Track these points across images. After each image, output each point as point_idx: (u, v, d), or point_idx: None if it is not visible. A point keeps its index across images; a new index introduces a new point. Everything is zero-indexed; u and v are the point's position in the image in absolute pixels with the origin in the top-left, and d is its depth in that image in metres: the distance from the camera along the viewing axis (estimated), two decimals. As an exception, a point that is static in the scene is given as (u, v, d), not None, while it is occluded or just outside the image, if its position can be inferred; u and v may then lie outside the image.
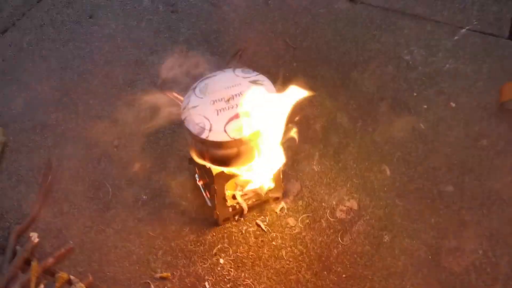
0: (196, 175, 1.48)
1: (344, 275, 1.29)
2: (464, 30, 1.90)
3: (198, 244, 1.39)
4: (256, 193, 1.41)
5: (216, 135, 1.12)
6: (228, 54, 1.90)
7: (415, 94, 1.70)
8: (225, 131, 1.12)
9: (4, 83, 1.86)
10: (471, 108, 1.63)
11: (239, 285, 1.30)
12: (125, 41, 1.99)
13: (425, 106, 1.66)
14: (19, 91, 1.83)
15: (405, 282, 1.26)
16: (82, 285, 1.28)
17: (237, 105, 1.16)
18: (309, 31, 1.98)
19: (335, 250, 1.34)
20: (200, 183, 1.45)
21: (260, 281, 1.30)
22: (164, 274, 1.33)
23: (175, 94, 1.27)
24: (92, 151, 1.63)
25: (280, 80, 1.45)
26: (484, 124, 1.57)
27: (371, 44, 1.90)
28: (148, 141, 1.65)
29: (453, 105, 1.65)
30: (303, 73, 1.81)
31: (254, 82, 1.21)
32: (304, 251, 1.35)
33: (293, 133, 1.32)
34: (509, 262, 1.25)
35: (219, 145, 1.13)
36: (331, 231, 1.38)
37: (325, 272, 1.30)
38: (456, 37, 1.88)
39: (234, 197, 1.39)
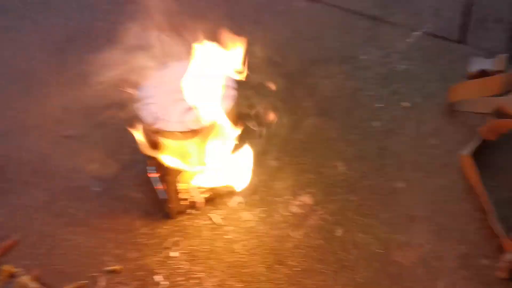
0: (149, 167, 1.45)
1: (297, 269, 1.30)
2: (417, 33, 1.96)
3: (150, 237, 1.36)
4: (211, 186, 1.40)
5: (171, 125, 1.10)
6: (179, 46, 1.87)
7: (370, 93, 1.74)
8: (181, 121, 1.10)
9: None
10: (423, 108, 1.68)
11: (192, 278, 1.28)
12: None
13: (380, 105, 1.69)
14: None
15: (356, 275, 1.28)
16: (28, 277, 1.23)
17: (194, 96, 1.14)
18: (267, 29, 1.98)
19: (288, 244, 1.34)
20: (152, 176, 1.42)
21: (213, 274, 1.29)
22: (115, 267, 1.30)
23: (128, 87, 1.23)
24: (40, 141, 1.57)
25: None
26: (434, 124, 1.62)
27: (329, 43, 1.93)
28: (101, 132, 1.61)
29: (406, 104, 1.69)
30: (259, 70, 1.81)
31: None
32: (258, 244, 1.35)
33: (250, 127, 1.33)
34: (454, 256, 1.30)
35: (174, 136, 1.12)
36: (286, 225, 1.38)
37: (279, 266, 1.30)
38: (409, 40, 1.94)
39: (187, 190, 1.37)
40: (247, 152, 1.29)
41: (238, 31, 1.93)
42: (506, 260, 1.20)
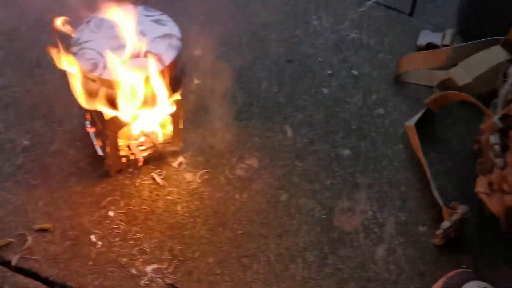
0: (87, 122, 1.35)
1: (240, 232, 1.27)
2: (370, 2, 1.94)
3: (85, 195, 1.28)
4: (153, 145, 1.33)
5: (110, 73, 1.02)
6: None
7: (320, 59, 1.72)
8: (119, 69, 1.02)
9: None
10: (371, 78, 1.68)
11: (129, 239, 1.22)
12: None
13: (329, 72, 1.68)
14: None
15: (299, 239, 1.27)
16: None
17: (137, 43, 1.06)
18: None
19: (232, 207, 1.31)
20: (90, 131, 1.33)
21: (152, 235, 1.24)
22: (45, 226, 1.21)
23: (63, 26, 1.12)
24: (-36, 87, 1.42)
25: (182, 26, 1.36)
26: (381, 94, 1.63)
27: (281, 6, 1.88)
28: (33, 81, 1.48)
29: (355, 73, 1.69)
30: (208, 27, 1.74)
31: (157, 22, 1.12)
32: (201, 206, 1.30)
33: (195, 83, 1.26)
34: (394, 223, 1.32)
35: (113, 84, 1.03)
36: (230, 187, 1.35)
37: (221, 228, 1.27)
38: (362, 8, 1.92)
39: (128, 147, 1.30)
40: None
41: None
42: (443, 227, 1.23)
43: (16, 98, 1.44)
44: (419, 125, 1.47)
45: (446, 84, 1.48)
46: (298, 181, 1.39)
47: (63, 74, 1.49)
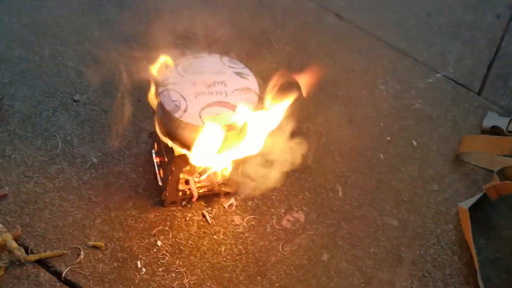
0: (153, 151, 1.43)
1: (277, 284, 1.29)
2: (439, 75, 1.96)
3: (139, 221, 1.35)
4: (209, 184, 1.39)
5: (189, 117, 1.09)
6: (212, 38, 1.86)
7: (381, 124, 1.74)
8: (199, 115, 1.09)
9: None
10: (430, 150, 1.69)
11: (172, 271, 1.27)
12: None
13: (388, 138, 1.70)
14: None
15: (333, 303, 1.28)
16: (9, 235, 1.21)
17: (217, 92, 1.13)
18: (295, 36, 1.98)
19: (273, 258, 1.34)
20: (156, 160, 1.41)
21: (193, 272, 1.28)
22: (98, 243, 1.28)
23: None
24: (50, 99, 1.55)
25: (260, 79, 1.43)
26: (438, 169, 1.63)
27: (350, 65, 1.93)
28: (110, 103, 1.58)
29: (414, 143, 1.70)
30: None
31: (239, 74, 1.19)
32: (244, 251, 1.34)
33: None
34: (432, 305, 1.31)
35: (190, 128, 1.10)
36: (274, 238, 1.38)
37: (259, 277, 1.30)
38: (430, 80, 1.95)
39: (187, 182, 1.36)
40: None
41: (263, 34, 1.94)
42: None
43: (93, 116, 1.54)
44: (472, 207, 1.46)
45: (507, 172, 1.47)
46: (341, 243, 1.40)
47: (138, 100, 1.61)
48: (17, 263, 1.20)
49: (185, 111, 1.10)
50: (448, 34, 2.17)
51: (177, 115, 1.09)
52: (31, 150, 1.42)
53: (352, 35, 2.04)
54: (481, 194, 1.48)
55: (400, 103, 1.83)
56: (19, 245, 1.23)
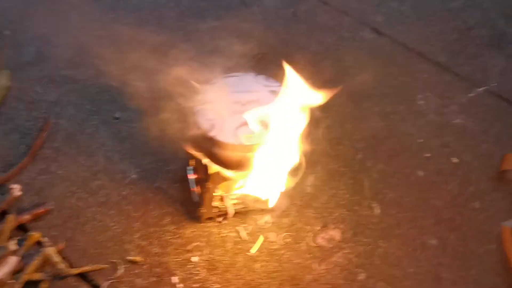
0: (189, 167, 1.46)
1: (312, 303, 1.29)
2: (481, 89, 1.91)
3: (176, 236, 1.38)
4: (244, 200, 1.40)
5: (224, 136, 1.11)
6: (247, 56, 1.89)
7: (420, 140, 1.71)
8: (235, 134, 1.11)
9: (21, 29, 1.83)
10: (471, 168, 1.64)
11: (207, 287, 1.29)
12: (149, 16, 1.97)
13: (427, 155, 1.66)
14: (34, 40, 1.79)
15: (370, 323, 1.26)
16: (53, 249, 1.26)
17: (253, 111, 1.15)
18: (331, 52, 1.98)
19: (308, 276, 1.33)
20: (191, 177, 1.44)
21: (229, 288, 1.29)
22: (136, 258, 1.31)
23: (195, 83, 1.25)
24: (93, 117, 1.61)
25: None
26: (480, 187, 1.58)
27: (388, 80, 1.90)
28: (151, 120, 1.63)
29: (455, 160, 1.65)
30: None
31: (275, 93, 1.20)
32: (279, 269, 1.34)
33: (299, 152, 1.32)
34: (474, 328, 1.26)
35: (225, 146, 1.12)
36: (310, 255, 1.37)
37: (294, 295, 1.30)
38: (471, 94, 1.89)
39: (222, 198, 1.38)
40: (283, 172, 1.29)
41: (297, 48, 1.95)
42: None
43: (133, 133, 1.59)
44: (517, 228, 1.41)
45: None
46: (379, 263, 1.38)
47: (176, 118, 1.65)
48: (59, 276, 1.25)
49: (220, 129, 1.12)
50: (491, 47, 2.11)
51: (212, 133, 1.12)
52: (75, 166, 1.48)
53: (390, 50, 2.02)
54: (526, 213, 1.42)
55: (440, 119, 1.79)
56: (62, 258, 1.27)
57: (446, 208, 1.52)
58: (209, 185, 1.26)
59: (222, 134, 1.11)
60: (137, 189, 1.46)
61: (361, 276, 1.34)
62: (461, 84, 1.93)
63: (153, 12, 2.02)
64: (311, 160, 1.58)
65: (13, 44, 1.77)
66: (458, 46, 2.09)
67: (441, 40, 2.11)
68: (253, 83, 1.22)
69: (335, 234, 1.43)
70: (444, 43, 2.09)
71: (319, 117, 1.64)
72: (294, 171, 1.34)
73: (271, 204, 1.39)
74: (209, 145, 1.15)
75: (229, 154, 1.14)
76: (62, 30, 1.85)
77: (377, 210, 1.50)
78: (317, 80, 1.84)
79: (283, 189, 1.36)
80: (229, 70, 1.31)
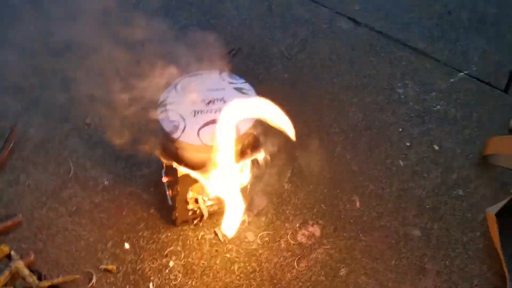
0: (163, 171, 1.42)
1: (292, 302, 1.25)
2: (461, 74, 1.87)
3: (151, 241, 1.34)
4: (219, 201, 1.36)
5: (188, 137, 1.07)
6: (221, 52, 1.84)
7: (400, 129, 1.67)
8: (198, 135, 1.07)
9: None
10: (454, 154, 1.60)
11: (184, 292, 1.25)
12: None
13: (408, 144, 1.63)
14: (0, 47, 1.75)
15: (353, 320, 1.22)
16: (21, 263, 1.22)
17: (215, 110, 1.11)
18: (307, 44, 1.94)
19: (288, 274, 1.30)
20: (164, 180, 1.39)
21: (207, 292, 1.26)
22: (109, 267, 1.27)
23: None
24: (62, 124, 1.57)
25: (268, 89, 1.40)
26: (463, 174, 1.54)
27: (366, 70, 1.87)
28: (121, 125, 1.58)
29: (436, 148, 1.62)
30: (291, 85, 1.77)
31: (239, 90, 1.16)
32: (258, 269, 1.30)
33: (269, 147, 1.27)
34: (460, 319, 1.22)
35: (189, 148, 1.08)
36: (289, 254, 1.34)
37: (274, 296, 1.26)
38: (452, 80, 1.86)
39: (196, 201, 1.34)
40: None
41: (272, 42, 1.91)
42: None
43: (104, 138, 1.55)
44: (501, 213, 1.37)
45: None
46: (360, 257, 1.34)
47: (148, 121, 1.61)
48: (30, 289, 1.21)
49: (183, 131, 1.07)
50: (471, 30, 2.07)
51: (175, 135, 1.07)
52: (44, 176, 1.44)
53: (368, 39, 1.98)
54: (510, 198, 1.38)
55: (420, 106, 1.75)
56: (32, 271, 1.23)
57: (428, 198, 1.48)
58: (180, 187, 1.22)
59: (185, 136, 1.07)
60: (110, 195, 1.42)
61: (343, 272, 1.31)
62: (441, 70, 1.89)
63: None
64: (288, 155, 1.55)
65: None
66: (438, 31, 2.06)
67: (420, 26, 2.07)
68: (217, 81, 1.18)
69: (315, 230, 1.39)
70: (423, 29, 2.06)
71: (296, 112, 1.61)
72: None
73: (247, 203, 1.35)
74: (174, 147, 1.11)
75: (194, 155, 1.10)
76: (29, 36, 1.81)
77: (357, 204, 1.46)
78: (293, 73, 1.81)
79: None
80: (200, 67, 1.27)
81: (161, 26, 1.91)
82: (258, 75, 1.79)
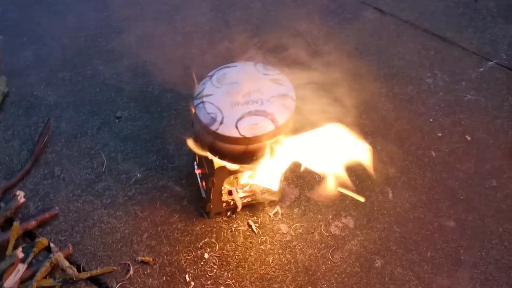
0: (195, 163, 1.43)
1: (328, 293, 1.25)
2: (491, 63, 1.85)
3: (185, 234, 1.34)
4: (253, 193, 1.37)
5: (226, 129, 1.07)
6: (248, 44, 1.84)
7: (431, 120, 1.65)
8: (236, 126, 1.07)
9: (16, 32, 1.80)
10: (486, 145, 1.58)
11: (220, 284, 1.26)
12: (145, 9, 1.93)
13: (439, 134, 1.61)
14: (30, 43, 1.77)
15: (390, 311, 1.22)
16: (61, 254, 1.24)
17: (253, 101, 1.10)
18: (333, 35, 1.92)
19: (323, 266, 1.30)
20: (198, 172, 1.40)
21: (242, 283, 1.26)
22: (146, 259, 1.29)
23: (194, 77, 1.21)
24: (94, 118, 1.58)
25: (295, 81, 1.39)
26: (496, 164, 1.52)
27: (394, 60, 1.85)
28: (151, 118, 1.60)
29: (468, 138, 1.60)
30: (319, 77, 1.76)
31: (275, 81, 1.15)
32: (292, 261, 1.30)
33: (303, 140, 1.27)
34: (498, 310, 1.21)
35: (227, 139, 1.08)
36: (323, 245, 1.33)
37: (310, 287, 1.26)
38: (481, 69, 1.83)
39: (230, 192, 1.34)
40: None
41: (298, 33, 1.90)
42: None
43: (135, 131, 1.56)
44: (537, 204, 1.36)
45: None
46: (395, 248, 1.33)
47: (178, 113, 1.61)
48: (70, 281, 1.23)
49: (221, 123, 1.07)
50: (499, 18, 2.04)
51: (213, 127, 1.08)
52: (78, 169, 1.45)
53: (394, 29, 1.96)
54: (547, 188, 1.36)
55: (450, 96, 1.73)
56: (71, 263, 1.25)
57: (462, 189, 1.47)
58: (214, 179, 1.22)
59: (223, 128, 1.07)
60: (143, 188, 1.43)
61: (378, 263, 1.30)
62: (470, 59, 1.86)
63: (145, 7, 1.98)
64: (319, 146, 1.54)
65: (9, 48, 1.75)
66: (465, 20, 2.03)
67: (447, 14, 2.04)
68: (252, 73, 1.17)
69: (348, 222, 1.39)
70: (450, 18, 2.03)
71: (324, 102, 1.60)
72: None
73: (280, 195, 1.35)
74: (211, 139, 1.11)
75: (232, 147, 1.10)
76: (58, 32, 1.82)
77: (390, 195, 1.45)
78: (319, 63, 1.80)
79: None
80: (228, 60, 1.27)
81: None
82: (284, 68, 1.77)
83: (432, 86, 1.76)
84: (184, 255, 1.30)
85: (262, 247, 1.33)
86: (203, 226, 1.36)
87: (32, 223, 1.31)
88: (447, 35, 1.94)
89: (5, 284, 1.15)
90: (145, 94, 1.67)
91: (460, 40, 1.93)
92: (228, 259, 1.30)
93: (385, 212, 1.41)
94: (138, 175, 1.46)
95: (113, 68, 1.73)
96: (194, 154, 1.43)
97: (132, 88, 1.67)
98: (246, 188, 1.33)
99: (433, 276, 1.28)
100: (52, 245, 1.26)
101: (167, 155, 1.51)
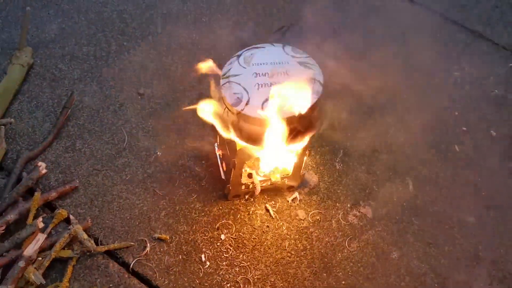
0: (216, 144, 1.42)
1: (343, 282, 1.24)
2: (522, 58, 1.80)
3: (203, 214, 1.35)
4: (272, 177, 1.36)
5: (251, 110, 1.06)
6: (274, 28, 1.82)
7: (456, 113, 1.62)
8: (262, 108, 1.06)
9: (42, 4, 1.80)
10: (511, 141, 1.55)
11: (236, 265, 1.26)
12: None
13: (464, 129, 1.58)
14: (56, 16, 1.77)
15: (404, 303, 1.21)
16: (80, 227, 1.25)
17: (280, 83, 1.09)
18: (360, 23, 1.89)
19: (339, 254, 1.29)
20: (218, 153, 1.40)
21: (257, 267, 1.26)
22: (163, 236, 1.29)
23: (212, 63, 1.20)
24: (116, 94, 1.58)
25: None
26: (521, 162, 1.50)
27: (422, 51, 1.81)
28: (174, 97, 1.59)
29: (493, 134, 1.57)
30: (344, 67, 1.73)
31: (303, 64, 1.14)
32: (308, 247, 1.30)
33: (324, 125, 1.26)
34: (514, 309, 1.20)
35: (252, 121, 1.07)
36: (340, 233, 1.33)
37: (325, 274, 1.26)
38: (511, 64, 1.79)
39: (250, 175, 1.34)
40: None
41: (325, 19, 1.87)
42: None
43: (157, 109, 1.56)
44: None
45: None
46: (412, 241, 1.32)
47: (201, 93, 1.61)
48: (87, 253, 1.24)
49: (247, 104, 1.07)
50: (532, 13, 1.99)
51: (238, 107, 1.07)
52: (100, 144, 1.46)
53: (423, 19, 1.92)
54: None
55: (477, 91, 1.70)
56: (89, 236, 1.26)
57: (484, 185, 1.45)
58: (236, 161, 1.21)
59: (249, 108, 1.06)
60: (162, 166, 1.43)
61: (395, 254, 1.29)
62: (499, 53, 1.82)
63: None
64: (341, 135, 1.53)
65: (35, 21, 1.75)
66: (496, 13, 1.98)
67: (478, 7, 1.99)
68: (280, 55, 1.16)
69: (367, 211, 1.38)
70: (481, 11, 1.98)
71: (347, 90, 1.58)
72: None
73: (299, 181, 1.34)
74: (236, 120, 1.11)
75: (256, 128, 1.09)
76: (84, 6, 1.82)
77: (410, 187, 1.43)
78: (345, 51, 1.77)
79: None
80: (254, 43, 1.25)
81: None
82: (309, 52, 1.75)
83: (459, 80, 1.73)
84: (201, 235, 1.31)
85: (279, 232, 1.33)
86: (220, 207, 1.36)
87: (53, 194, 1.32)
88: (476, 28, 1.90)
89: (25, 252, 1.17)
90: (168, 73, 1.66)
91: (490, 33, 1.88)
92: (245, 241, 1.30)
93: (404, 204, 1.40)
94: (158, 153, 1.46)
95: (137, 45, 1.72)
96: (215, 135, 1.43)
97: (156, 66, 1.67)
98: (266, 172, 1.32)
99: (450, 270, 1.26)
100: (71, 217, 1.27)
101: (188, 134, 1.51)
